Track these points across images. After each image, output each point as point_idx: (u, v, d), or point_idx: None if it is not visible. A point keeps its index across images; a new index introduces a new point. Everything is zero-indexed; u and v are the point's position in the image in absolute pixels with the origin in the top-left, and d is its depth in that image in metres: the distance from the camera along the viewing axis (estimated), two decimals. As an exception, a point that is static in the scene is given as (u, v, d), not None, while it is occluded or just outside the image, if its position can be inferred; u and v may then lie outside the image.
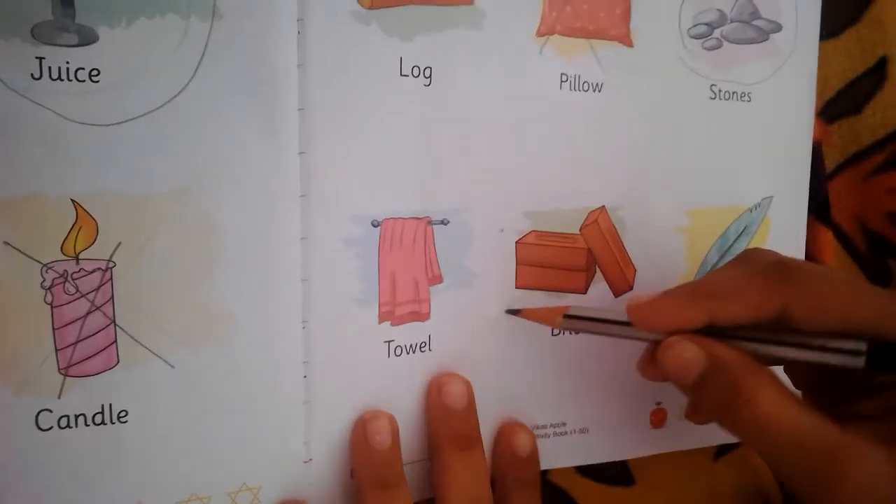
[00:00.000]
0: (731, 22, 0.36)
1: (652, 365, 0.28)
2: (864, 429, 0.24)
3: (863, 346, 0.24)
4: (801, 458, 0.23)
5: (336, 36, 0.28)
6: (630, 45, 0.34)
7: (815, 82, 0.38)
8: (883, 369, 0.24)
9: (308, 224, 0.28)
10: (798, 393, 0.29)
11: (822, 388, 0.29)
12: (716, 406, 0.25)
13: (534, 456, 0.33)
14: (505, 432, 0.33)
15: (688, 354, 0.26)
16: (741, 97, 0.37)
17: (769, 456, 0.24)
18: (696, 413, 0.30)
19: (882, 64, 0.40)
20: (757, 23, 0.37)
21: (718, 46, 0.36)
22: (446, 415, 0.30)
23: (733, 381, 0.25)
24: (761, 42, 0.37)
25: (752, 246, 0.38)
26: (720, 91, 0.36)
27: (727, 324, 0.26)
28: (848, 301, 0.25)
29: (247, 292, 0.27)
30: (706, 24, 0.36)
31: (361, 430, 0.29)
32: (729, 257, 0.37)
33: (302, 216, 0.28)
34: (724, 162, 0.37)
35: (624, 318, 0.28)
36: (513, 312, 0.33)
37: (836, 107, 0.41)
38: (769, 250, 0.28)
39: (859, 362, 0.24)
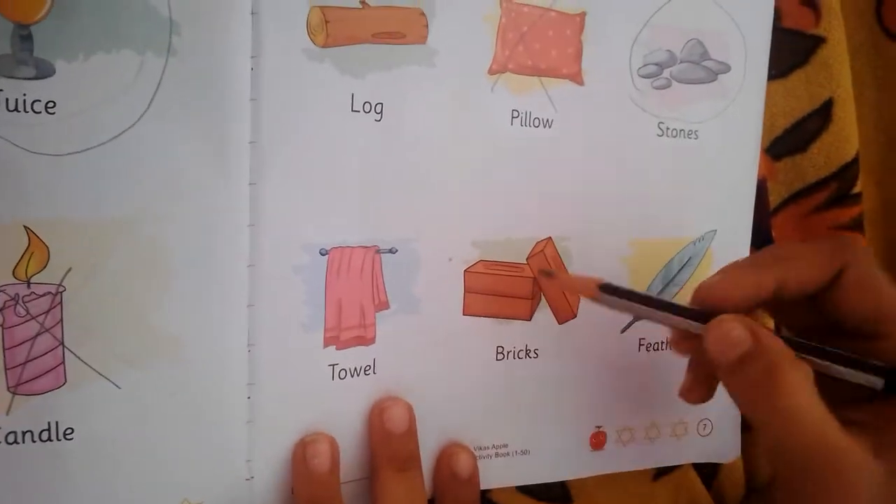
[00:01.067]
0: (681, 62, 0.37)
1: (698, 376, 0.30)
2: (858, 437, 0.25)
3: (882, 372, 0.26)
4: (814, 457, 0.24)
5: (289, 72, 0.29)
6: (581, 83, 0.35)
7: (762, 121, 0.40)
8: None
9: (256, 252, 0.29)
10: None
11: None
12: (748, 388, 0.26)
13: (474, 477, 0.34)
14: (446, 454, 0.34)
15: (735, 333, 0.26)
16: (688, 135, 0.38)
17: (783, 447, 0.25)
18: (692, 391, 0.31)
19: (828, 106, 0.42)
20: (706, 63, 0.38)
21: (667, 86, 0.37)
22: (386, 437, 0.31)
23: (773, 367, 0.25)
24: (710, 82, 0.38)
25: (695, 278, 0.39)
26: (668, 129, 0.37)
27: (794, 288, 0.28)
28: (888, 288, 0.27)
29: (193, 316, 0.28)
30: (656, 63, 0.37)
31: (301, 453, 0.30)
32: (673, 287, 0.39)
33: (250, 244, 0.29)
34: (669, 196, 0.38)
35: (666, 299, 0.30)
36: (546, 274, 0.34)
37: (783, 144, 0.42)
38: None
39: (878, 383, 0.26)
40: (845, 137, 0.42)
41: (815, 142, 0.42)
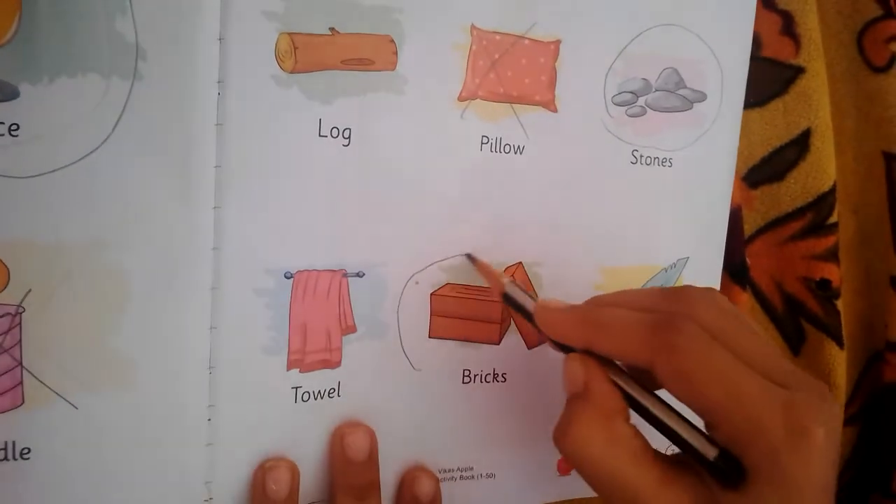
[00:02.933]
0: (656, 91, 0.38)
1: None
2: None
3: (713, 455, 0.26)
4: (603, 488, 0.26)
5: (255, 98, 0.29)
6: (554, 110, 0.35)
7: (737, 150, 0.40)
8: (723, 478, 0.26)
9: (219, 275, 0.30)
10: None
11: None
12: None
13: (436, 501, 0.34)
14: (408, 478, 0.34)
15: (569, 374, 0.28)
16: (662, 162, 0.38)
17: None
18: None
19: (806, 135, 0.42)
20: (682, 92, 0.38)
21: (642, 114, 0.37)
22: (346, 465, 0.31)
23: (581, 409, 0.27)
24: (685, 111, 0.38)
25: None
26: (641, 156, 0.37)
27: (602, 355, 0.28)
28: (708, 379, 0.25)
29: (153, 338, 0.29)
30: (631, 92, 0.37)
31: (261, 478, 0.30)
32: (643, 315, 0.39)
33: (214, 267, 0.29)
34: (642, 223, 0.38)
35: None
36: (470, 258, 0.34)
37: (759, 173, 0.42)
38: (705, 293, 0.29)
39: (703, 468, 0.26)
40: (822, 168, 0.42)
41: (791, 171, 0.42)
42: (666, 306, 0.28)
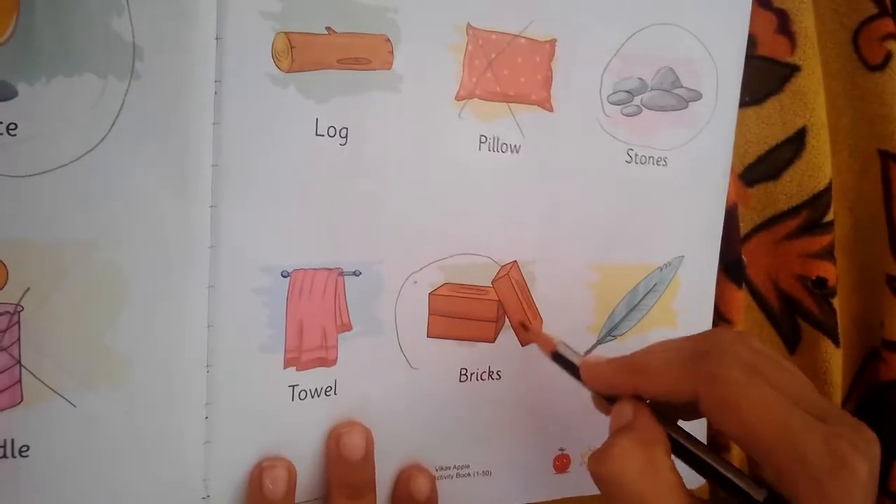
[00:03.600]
0: (652, 90, 0.38)
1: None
2: None
3: (761, 496, 0.26)
4: None
5: (252, 97, 0.29)
6: (550, 109, 0.36)
7: (732, 148, 0.40)
8: None
9: (216, 273, 0.30)
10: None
11: None
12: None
13: (432, 499, 0.34)
14: (404, 476, 0.34)
15: (617, 413, 0.29)
16: (657, 161, 0.38)
17: None
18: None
19: (801, 134, 0.42)
20: (677, 91, 0.38)
21: (638, 113, 0.37)
22: (341, 464, 0.32)
23: (623, 435, 0.28)
24: (680, 110, 0.38)
25: (661, 304, 0.39)
26: (636, 155, 0.38)
27: (649, 398, 0.29)
28: (752, 410, 0.25)
29: (151, 337, 0.29)
30: (627, 91, 0.37)
31: (258, 476, 0.30)
32: (637, 313, 0.39)
33: (210, 266, 0.30)
34: (637, 222, 0.38)
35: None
36: (523, 327, 0.36)
37: (755, 171, 0.42)
38: (738, 334, 0.29)
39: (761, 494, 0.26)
40: (818, 166, 0.42)
41: (787, 169, 0.42)
42: (700, 345, 0.28)
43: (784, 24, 0.41)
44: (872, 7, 0.43)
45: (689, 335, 0.29)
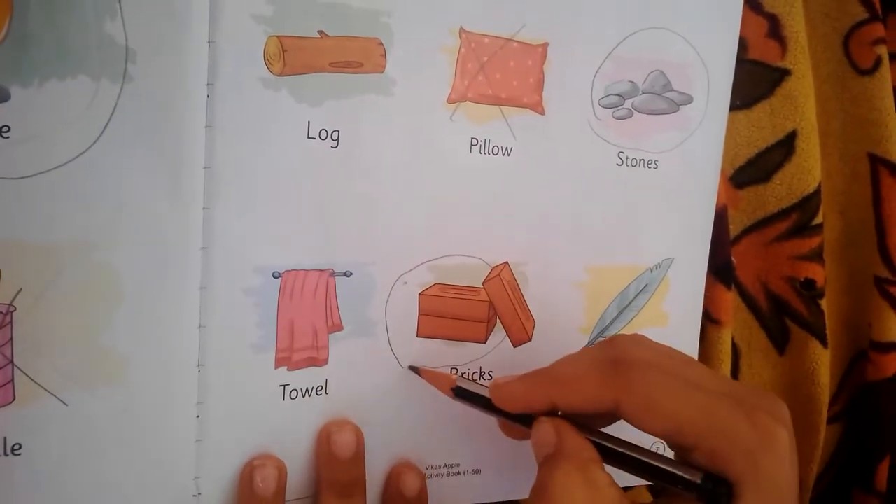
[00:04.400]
0: (643, 93, 0.38)
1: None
2: None
3: (698, 478, 0.26)
4: None
5: (245, 100, 0.30)
6: (542, 112, 0.36)
7: (722, 151, 0.40)
8: (714, 499, 0.26)
9: (208, 274, 0.30)
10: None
11: None
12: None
13: (422, 497, 0.35)
14: (394, 474, 0.35)
15: (540, 436, 0.29)
16: (648, 164, 0.38)
17: None
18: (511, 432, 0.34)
19: (791, 137, 0.42)
20: (668, 95, 0.39)
21: (629, 116, 0.38)
22: (331, 462, 0.32)
23: (556, 464, 0.27)
24: (671, 113, 0.39)
25: (651, 305, 0.40)
26: (627, 158, 0.38)
27: (567, 410, 0.29)
28: (675, 404, 0.27)
29: (143, 337, 0.29)
30: (618, 94, 0.37)
31: (248, 475, 0.31)
32: (628, 314, 0.40)
33: (203, 267, 0.30)
34: (627, 223, 0.39)
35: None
36: (413, 370, 0.35)
37: (746, 174, 0.43)
38: (632, 337, 0.30)
39: (692, 494, 0.27)
40: (807, 169, 0.42)
41: (777, 172, 0.43)
42: (607, 354, 0.29)
43: (775, 29, 0.41)
44: (863, 11, 0.43)
45: (591, 346, 0.30)
